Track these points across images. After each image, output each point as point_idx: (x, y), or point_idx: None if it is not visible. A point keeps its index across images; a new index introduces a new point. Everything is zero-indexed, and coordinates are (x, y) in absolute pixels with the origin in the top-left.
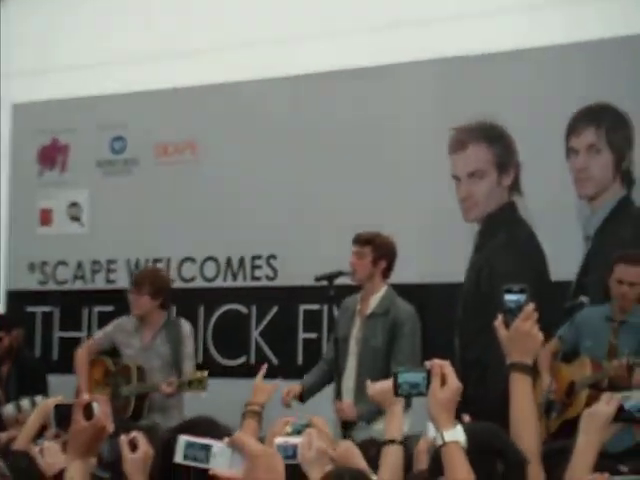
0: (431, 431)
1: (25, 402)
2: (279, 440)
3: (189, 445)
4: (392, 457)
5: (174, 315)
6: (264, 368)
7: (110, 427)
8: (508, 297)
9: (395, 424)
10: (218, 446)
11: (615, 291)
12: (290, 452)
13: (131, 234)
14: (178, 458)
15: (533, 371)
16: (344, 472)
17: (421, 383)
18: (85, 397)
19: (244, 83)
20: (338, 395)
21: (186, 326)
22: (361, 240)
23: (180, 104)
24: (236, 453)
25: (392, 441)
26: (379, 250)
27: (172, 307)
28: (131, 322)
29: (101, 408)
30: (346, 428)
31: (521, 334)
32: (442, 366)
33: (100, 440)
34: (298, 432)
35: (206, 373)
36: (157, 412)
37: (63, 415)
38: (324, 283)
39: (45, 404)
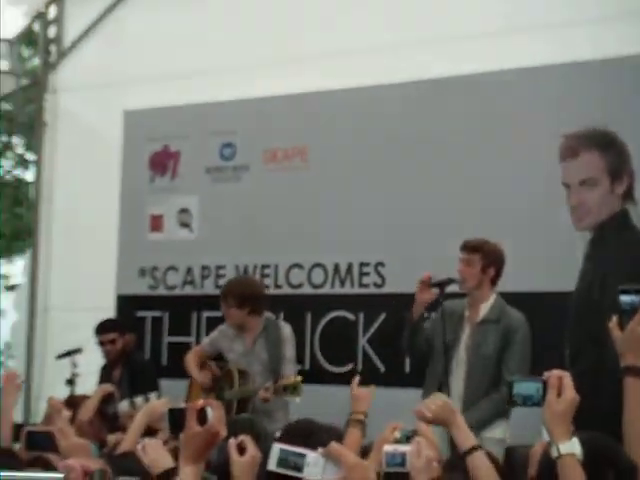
0: (545, 435)
1: (139, 399)
2: (388, 448)
3: (283, 453)
4: (481, 464)
5: (274, 319)
6: (357, 378)
7: (223, 432)
8: (623, 298)
9: (466, 434)
10: (312, 456)
11: None
12: (399, 460)
13: (240, 240)
14: (272, 465)
15: None
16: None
17: (535, 394)
18: (200, 402)
19: (355, 90)
20: None
21: (286, 329)
22: (469, 247)
23: (290, 110)
24: (329, 463)
25: (474, 448)
26: (488, 257)
27: (267, 311)
28: (233, 328)
29: (215, 413)
30: None
31: (637, 336)
32: (561, 377)
33: (213, 445)
34: (407, 438)
35: (300, 379)
36: (261, 416)
37: (177, 419)
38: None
39: (151, 405)
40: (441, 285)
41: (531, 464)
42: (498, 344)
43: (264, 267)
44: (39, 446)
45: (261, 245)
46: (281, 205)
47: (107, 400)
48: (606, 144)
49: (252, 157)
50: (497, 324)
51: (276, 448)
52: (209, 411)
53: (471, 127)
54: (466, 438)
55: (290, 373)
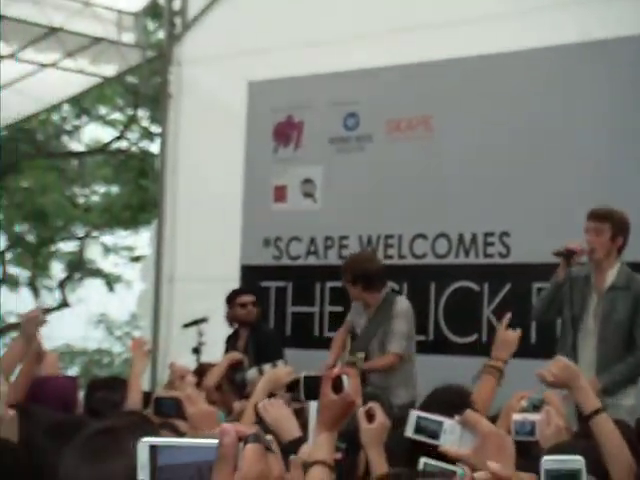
0: None
1: (267, 366)
2: (517, 417)
3: (420, 420)
4: (604, 427)
5: (394, 294)
6: (508, 316)
7: (359, 401)
8: None
9: (589, 395)
10: (449, 423)
11: None
12: (528, 428)
13: (363, 210)
14: (409, 432)
15: None
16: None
17: None
18: (335, 370)
19: (479, 57)
20: None
21: (401, 304)
22: (599, 216)
23: (414, 79)
24: (466, 431)
25: (598, 411)
26: (617, 226)
27: (386, 285)
28: (360, 303)
29: (351, 382)
30: None
31: None
32: None
33: (349, 414)
34: (534, 407)
35: (360, 356)
36: (383, 391)
37: (311, 387)
38: (557, 261)
39: (275, 372)
40: (567, 255)
41: None
42: (630, 310)
43: (387, 237)
44: (167, 412)
45: (384, 215)
46: (405, 175)
47: (235, 368)
48: None
49: (376, 127)
50: (627, 290)
51: (413, 415)
52: (345, 380)
53: (599, 94)
54: (589, 401)
55: (395, 349)
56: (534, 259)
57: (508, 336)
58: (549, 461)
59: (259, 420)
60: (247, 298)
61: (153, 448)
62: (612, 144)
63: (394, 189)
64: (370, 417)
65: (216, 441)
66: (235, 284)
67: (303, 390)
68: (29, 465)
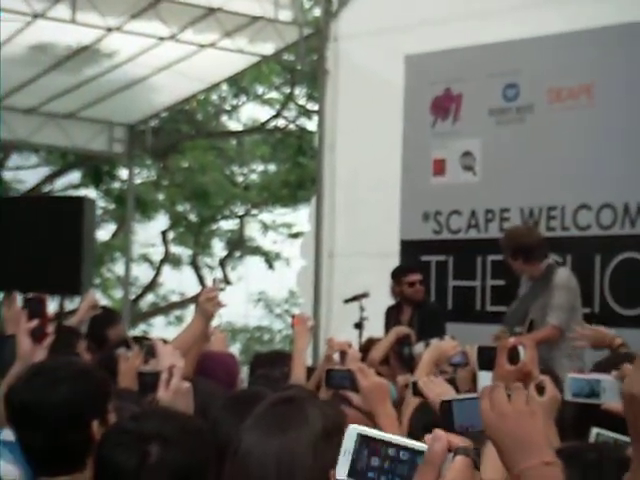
0: None
1: (434, 341)
2: None
3: (577, 382)
4: None
5: (555, 264)
6: None
7: (536, 372)
8: None
9: None
10: (607, 380)
11: None
12: None
13: (524, 182)
14: (567, 396)
15: None
16: None
17: None
18: (511, 340)
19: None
20: None
21: (561, 275)
22: None
23: (575, 47)
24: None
25: None
26: None
27: (547, 257)
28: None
29: (528, 352)
30: None
31: None
32: None
33: (525, 385)
34: None
35: (518, 329)
36: (540, 363)
37: (486, 357)
38: None
39: (439, 345)
40: None
41: None
42: None
43: (550, 209)
44: (339, 384)
45: (546, 187)
46: (567, 145)
47: (403, 342)
48: None
49: (536, 97)
50: None
51: (569, 378)
52: (521, 350)
53: None
54: None
55: (554, 321)
56: None
57: None
58: None
59: (420, 396)
60: (415, 277)
61: (362, 437)
62: None
63: (556, 160)
64: (540, 390)
65: (425, 446)
66: (395, 259)
67: (478, 361)
68: (211, 441)
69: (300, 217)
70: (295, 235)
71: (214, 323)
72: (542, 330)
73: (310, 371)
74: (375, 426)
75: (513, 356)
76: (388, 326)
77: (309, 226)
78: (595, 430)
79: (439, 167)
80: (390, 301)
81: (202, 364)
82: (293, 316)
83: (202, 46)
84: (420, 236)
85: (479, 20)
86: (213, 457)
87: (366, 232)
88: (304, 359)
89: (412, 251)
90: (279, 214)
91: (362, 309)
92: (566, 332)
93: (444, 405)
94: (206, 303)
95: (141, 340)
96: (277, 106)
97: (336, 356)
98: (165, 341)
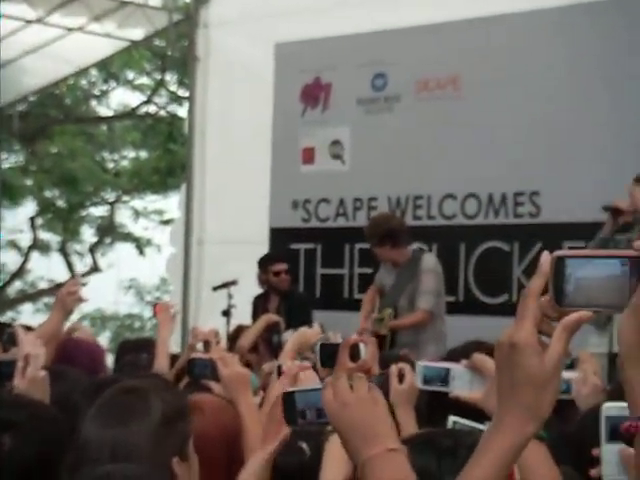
0: None
1: (303, 329)
2: None
3: (427, 370)
4: None
5: (421, 251)
6: None
7: (376, 369)
8: None
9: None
10: (457, 369)
11: None
12: (564, 387)
13: (392, 171)
14: (418, 383)
15: None
16: None
17: None
18: (352, 338)
19: (508, 16)
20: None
21: (428, 261)
22: None
23: (442, 39)
24: (476, 375)
25: None
26: None
27: (410, 243)
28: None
29: (368, 350)
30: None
31: None
32: None
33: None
34: (568, 366)
35: (388, 312)
36: (407, 347)
37: (329, 354)
38: (589, 219)
39: (303, 332)
40: (615, 212)
41: None
42: None
43: (417, 198)
44: (200, 373)
45: (413, 176)
46: (433, 135)
47: (272, 330)
48: None
49: (404, 87)
50: None
51: (420, 366)
52: (362, 347)
53: (634, 52)
54: None
55: (424, 305)
56: (564, 218)
57: None
58: (610, 408)
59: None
60: (280, 267)
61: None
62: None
63: (423, 149)
64: (401, 378)
65: None
66: (264, 246)
67: (320, 357)
68: (66, 429)
69: (171, 204)
70: (166, 222)
71: (80, 312)
72: (413, 315)
73: (175, 359)
74: (236, 415)
75: (354, 354)
76: (256, 314)
77: (179, 213)
78: (452, 418)
79: (308, 155)
80: (259, 289)
81: (67, 352)
82: (155, 304)
83: (70, 30)
84: (289, 224)
85: (349, 9)
86: (69, 445)
87: (236, 220)
88: (167, 347)
89: (281, 239)
90: (150, 201)
91: (230, 297)
92: (434, 317)
93: (286, 396)
94: (66, 297)
95: (4, 327)
96: (148, 92)
97: (200, 345)
98: (29, 328)
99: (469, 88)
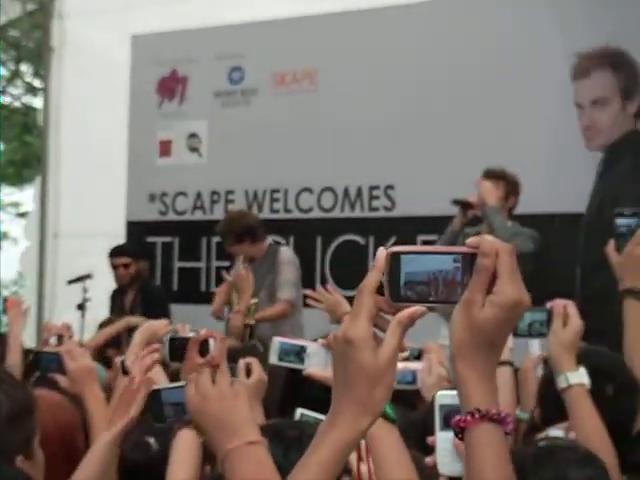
0: (534, 348)
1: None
2: (398, 365)
3: (284, 346)
4: (503, 378)
5: (276, 244)
6: None
7: (224, 365)
8: (620, 221)
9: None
10: (313, 346)
11: None
12: (410, 377)
13: (249, 165)
14: (273, 359)
15: None
16: None
17: (541, 324)
18: (202, 333)
19: (364, 11)
20: None
21: (285, 253)
22: (496, 174)
23: (298, 33)
24: (331, 353)
25: (502, 363)
26: (511, 186)
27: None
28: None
29: (217, 345)
30: None
31: (634, 258)
32: (565, 306)
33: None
34: (415, 357)
35: (254, 302)
36: (270, 341)
37: (178, 348)
38: (442, 213)
39: (150, 325)
40: (465, 206)
41: (523, 381)
42: None
43: (273, 192)
44: (47, 367)
45: (270, 169)
46: (290, 129)
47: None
48: (618, 63)
49: (261, 81)
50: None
51: (276, 342)
52: (211, 343)
53: (485, 47)
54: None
55: (286, 296)
56: (418, 212)
57: None
58: (444, 396)
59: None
60: (116, 260)
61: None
62: (497, 103)
63: (279, 143)
64: (249, 372)
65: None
66: (121, 240)
67: (168, 351)
68: None
69: (27, 196)
70: (22, 214)
71: None
72: (275, 306)
73: (27, 353)
74: (74, 411)
75: (203, 349)
76: (113, 309)
77: (34, 206)
78: (300, 410)
79: (165, 148)
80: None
81: None
82: (5, 299)
83: None
84: (146, 217)
85: (207, 2)
86: None
87: (92, 212)
88: (19, 343)
89: (138, 232)
90: (6, 193)
91: (85, 290)
92: (294, 308)
93: (152, 394)
94: None
95: None
96: (3, 83)
97: (54, 340)
98: None
99: (325, 82)
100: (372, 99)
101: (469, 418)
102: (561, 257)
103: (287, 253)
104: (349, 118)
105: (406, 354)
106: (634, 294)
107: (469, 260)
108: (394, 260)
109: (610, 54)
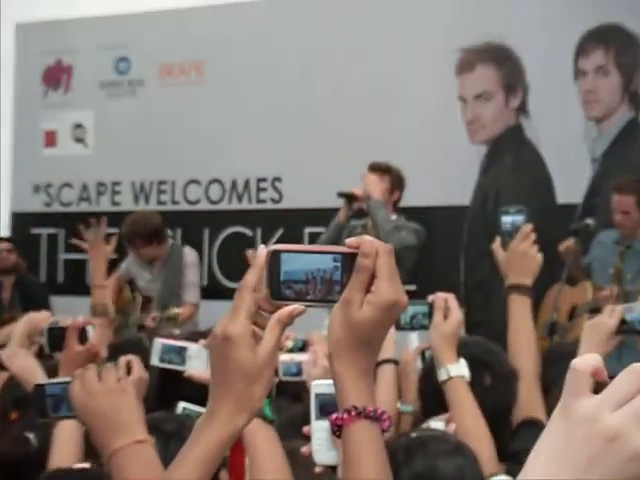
0: (413, 341)
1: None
2: (284, 357)
3: (165, 348)
4: (386, 376)
5: (179, 245)
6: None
7: (104, 352)
8: (505, 219)
9: (388, 343)
10: (194, 348)
11: (614, 219)
12: (295, 369)
13: (136, 156)
14: (154, 360)
15: (532, 292)
16: None
17: (423, 316)
18: (80, 320)
19: (250, 3)
20: None
21: (190, 255)
22: (381, 168)
23: (185, 24)
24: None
25: (386, 360)
26: (396, 181)
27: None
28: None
29: (97, 332)
30: None
31: (519, 255)
32: (446, 299)
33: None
34: (300, 349)
35: (177, 311)
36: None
37: (57, 338)
38: (329, 205)
39: (30, 317)
40: (350, 198)
41: (403, 374)
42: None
43: (160, 183)
44: None
45: (158, 161)
46: (178, 120)
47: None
48: (501, 58)
49: (148, 71)
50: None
51: (157, 343)
52: (90, 330)
53: (365, 42)
54: (383, 349)
55: (191, 299)
56: (306, 204)
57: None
58: (320, 385)
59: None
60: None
61: None
62: (382, 97)
63: (167, 134)
64: (129, 369)
65: None
66: (5, 231)
67: (47, 341)
68: None
69: None
70: None
71: None
72: (184, 310)
73: None
74: None
75: (82, 337)
76: None
77: None
78: (182, 404)
79: (50, 138)
80: None
81: None
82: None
83: None
84: (30, 208)
85: None
86: None
87: None
88: None
89: (22, 223)
90: None
91: None
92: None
93: (36, 389)
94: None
95: None
96: None
97: None
98: None
99: (212, 74)
100: (259, 91)
101: (346, 416)
102: (446, 249)
103: (192, 254)
104: (236, 110)
105: (290, 345)
106: (518, 289)
107: (349, 260)
108: (274, 258)
109: (493, 49)
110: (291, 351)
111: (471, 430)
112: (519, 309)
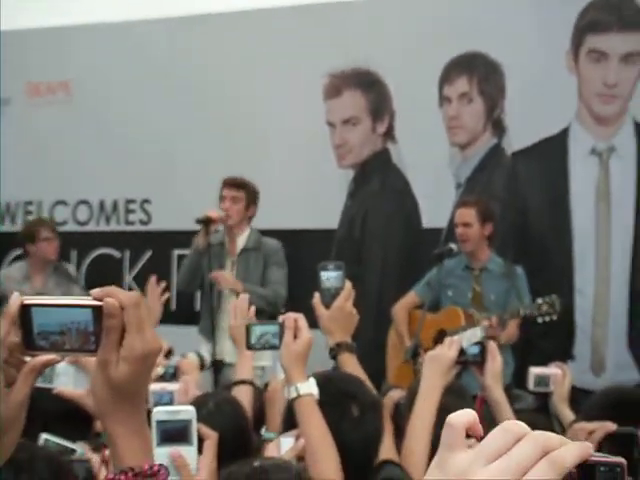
0: (278, 371)
1: None
2: (154, 387)
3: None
4: (242, 396)
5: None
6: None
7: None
8: (324, 275)
9: (245, 365)
10: (61, 365)
11: (456, 235)
12: (166, 399)
13: (2, 175)
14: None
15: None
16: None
17: (273, 336)
18: None
19: (121, 23)
20: (213, 335)
21: (71, 269)
22: (236, 184)
23: (52, 43)
24: (80, 372)
25: (243, 381)
26: (251, 195)
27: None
28: (19, 270)
29: None
30: (216, 367)
31: (345, 313)
32: (296, 319)
33: None
34: (171, 375)
35: None
36: None
37: None
38: (198, 228)
39: None
40: (207, 223)
41: (270, 401)
42: (261, 268)
43: (27, 204)
44: None
45: (24, 181)
46: (45, 140)
47: None
48: (368, 84)
49: (14, 90)
50: (257, 251)
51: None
52: None
53: (239, 65)
54: (241, 370)
55: None
56: (174, 226)
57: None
58: (160, 412)
59: None
60: None
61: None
62: (252, 121)
63: (34, 154)
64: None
65: None
66: None
67: None
68: None
69: None
70: None
71: None
72: None
73: None
74: None
75: None
76: None
77: None
78: (44, 436)
79: None
80: None
81: None
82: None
83: None
84: None
85: None
86: None
87: None
88: None
89: None
90: None
91: None
92: None
93: None
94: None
95: None
96: None
97: None
98: None
99: (80, 94)
100: (126, 113)
101: (122, 477)
102: (314, 272)
103: (72, 269)
104: (104, 131)
105: (161, 371)
106: (347, 347)
107: (98, 310)
108: (24, 312)
109: (361, 74)
110: (162, 378)
111: (318, 445)
112: (350, 365)
